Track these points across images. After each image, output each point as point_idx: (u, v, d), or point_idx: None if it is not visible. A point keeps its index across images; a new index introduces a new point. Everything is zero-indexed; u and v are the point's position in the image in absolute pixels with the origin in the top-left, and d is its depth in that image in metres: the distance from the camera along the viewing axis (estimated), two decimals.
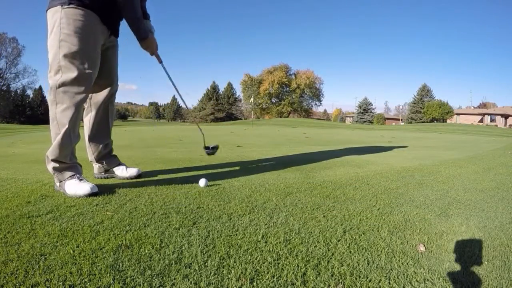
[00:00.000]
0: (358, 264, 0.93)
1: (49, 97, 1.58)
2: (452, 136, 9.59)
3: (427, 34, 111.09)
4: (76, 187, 1.51)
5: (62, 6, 1.51)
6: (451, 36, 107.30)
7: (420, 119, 46.47)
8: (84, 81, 1.57)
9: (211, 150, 2.14)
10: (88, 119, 1.84)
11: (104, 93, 1.83)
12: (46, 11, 1.57)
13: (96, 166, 1.93)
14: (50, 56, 1.55)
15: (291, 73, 53.85)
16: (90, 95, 1.81)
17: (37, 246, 0.96)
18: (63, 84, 1.53)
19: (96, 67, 1.63)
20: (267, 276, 0.84)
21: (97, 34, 1.62)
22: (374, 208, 1.46)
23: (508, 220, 1.36)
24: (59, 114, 1.54)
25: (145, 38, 1.79)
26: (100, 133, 1.88)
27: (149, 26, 1.88)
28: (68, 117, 1.54)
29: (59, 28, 1.51)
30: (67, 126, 1.54)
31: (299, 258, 0.95)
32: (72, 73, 1.52)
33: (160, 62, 1.95)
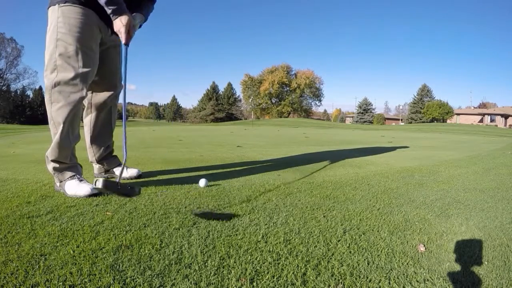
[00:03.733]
0: (358, 264, 0.93)
1: (45, 97, 1.57)
2: (452, 136, 9.59)
3: (427, 34, 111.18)
4: (76, 188, 1.51)
5: (59, 4, 1.51)
6: (451, 36, 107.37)
7: (420, 119, 46.49)
8: (80, 80, 1.55)
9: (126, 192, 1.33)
10: (89, 120, 1.83)
11: (107, 94, 1.81)
12: (47, 9, 1.57)
13: (96, 167, 1.93)
14: (46, 55, 1.54)
15: (292, 73, 53.92)
16: (90, 95, 1.80)
17: (37, 246, 0.96)
18: (58, 84, 1.52)
19: (93, 66, 1.62)
20: (267, 276, 0.84)
21: (95, 32, 1.61)
22: (374, 208, 1.46)
23: (508, 220, 1.36)
24: (54, 113, 1.53)
25: (119, 14, 1.52)
26: (103, 135, 1.87)
27: (137, 16, 1.70)
28: (63, 116, 1.52)
29: (56, 27, 1.51)
30: (62, 125, 1.53)
31: (299, 258, 0.95)
32: (68, 73, 1.52)
33: (126, 44, 1.59)
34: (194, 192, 1.62)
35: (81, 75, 1.55)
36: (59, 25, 1.51)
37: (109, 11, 1.53)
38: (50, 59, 1.52)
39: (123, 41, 1.57)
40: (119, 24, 1.54)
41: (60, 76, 1.52)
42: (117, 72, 1.85)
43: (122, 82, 1.67)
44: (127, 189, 1.31)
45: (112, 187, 1.27)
